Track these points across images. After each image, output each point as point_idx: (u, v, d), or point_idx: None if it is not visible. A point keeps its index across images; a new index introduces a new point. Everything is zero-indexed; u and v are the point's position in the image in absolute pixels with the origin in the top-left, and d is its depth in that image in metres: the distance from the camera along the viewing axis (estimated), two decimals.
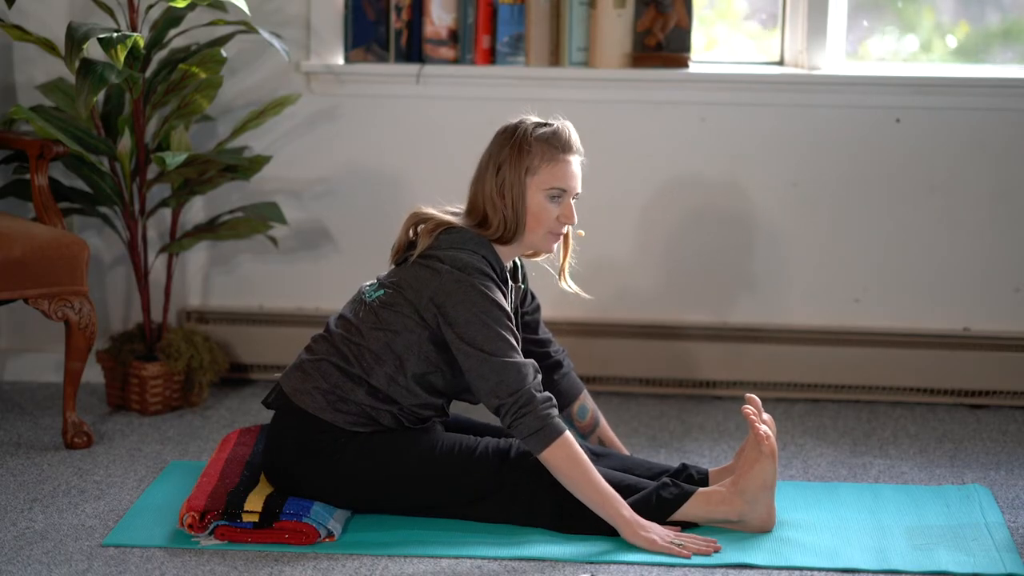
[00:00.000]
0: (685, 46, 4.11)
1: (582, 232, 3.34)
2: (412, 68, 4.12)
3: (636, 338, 4.17)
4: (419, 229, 3.22)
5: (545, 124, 3.21)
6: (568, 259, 3.35)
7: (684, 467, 3.32)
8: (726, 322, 4.19)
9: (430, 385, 3.19)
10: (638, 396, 4.20)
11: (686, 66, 4.11)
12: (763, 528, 3.19)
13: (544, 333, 3.48)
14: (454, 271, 3.12)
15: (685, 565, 3.04)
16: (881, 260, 4.15)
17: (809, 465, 3.67)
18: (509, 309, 3.15)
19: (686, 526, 3.18)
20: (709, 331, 4.17)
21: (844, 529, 3.23)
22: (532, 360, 3.15)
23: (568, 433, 3.09)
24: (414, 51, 4.17)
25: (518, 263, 3.37)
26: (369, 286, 3.28)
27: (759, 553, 3.10)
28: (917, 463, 3.69)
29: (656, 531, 3.10)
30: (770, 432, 3.18)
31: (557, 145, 3.19)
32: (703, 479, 3.29)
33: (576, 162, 3.22)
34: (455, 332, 3.11)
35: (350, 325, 3.22)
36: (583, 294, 3.39)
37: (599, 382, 4.19)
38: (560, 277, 3.36)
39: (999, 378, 4.11)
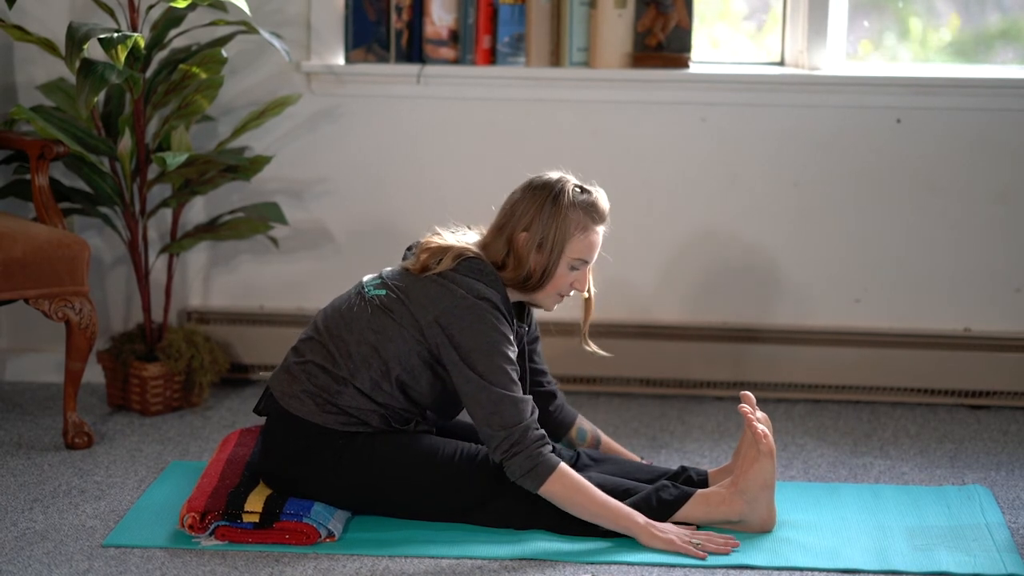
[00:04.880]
0: (686, 46, 4.11)
1: (586, 293, 3.32)
2: (413, 68, 4.12)
3: (637, 338, 4.17)
4: (443, 256, 3.20)
5: (584, 190, 3.20)
6: (589, 322, 3.35)
7: (683, 469, 3.32)
8: (726, 322, 4.19)
9: (408, 395, 3.19)
10: (638, 396, 4.20)
11: (687, 66, 4.11)
12: (764, 528, 3.19)
13: (541, 364, 3.48)
14: (468, 297, 3.11)
15: (686, 565, 3.04)
16: (881, 260, 4.15)
17: (810, 466, 3.67)
18: (515, 345, 3.15)
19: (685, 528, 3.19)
20: (709, 331, 4.17)
21: (845, 529, 3.23)
22: (530, 397, 3.14)
23: (562, 465, 3.09)
24: (415, 51, 4.17)
25: (526, 306, 3.36)
26: (371, 280, 3.27)
27: (759, 553, 3.10)
28: (918, 463, 3.69)
29: (672, 531, 3.11)
30: (767, 431, 3.18)
31: (593, 216, 3.19)
32: (703, 481, 3.29)
33: (602, 233, 3.23)
34: (459, 355, 3.10)
35: (340, 319, 3.21)
36: (603, 353, 3.41)
37: (600, 382, 4.19)
38: (583, 340, 3.37)
39: (999, 378, 4.11)
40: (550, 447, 3.11)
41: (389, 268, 3.29)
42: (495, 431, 3.08)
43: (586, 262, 3.21)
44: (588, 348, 3.39)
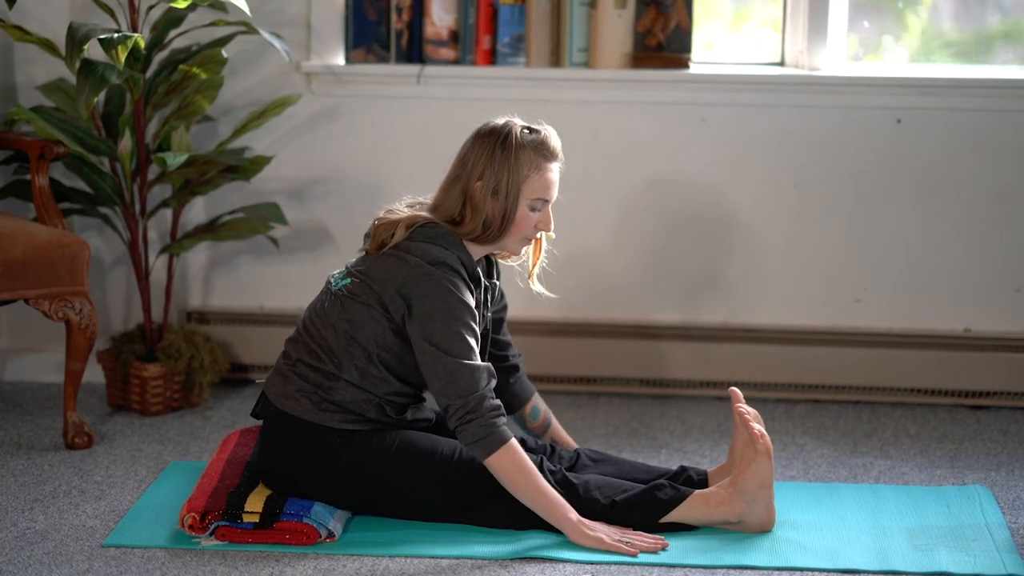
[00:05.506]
0: (686, 47, 4.11)
1: (552, 234, 3.33)
2: (413, 69, 4.12)
3: (637, 338, 4.17)
4: (395, 228, 3.21)
5: (532, 130, 3.20)
6: (539, 262, 3.35)
7: (683, 469, 3.32)
8: (726, 322, 4.19)
9: (396, 375, 3.19)
10: (638, 396, 4.20)
11: (686, 67, 4.11)
12: (763, 528, 3.19)
13: (505, 335, 3.48)
14: (424, 264, 3.12)
15: (686, 565, 3.04)
16: (881, 260, 4.15)
17: (809, 465, 3.67)
18: (475, 309, 3.15)
19: (684, 529, 3.18)
20: (709, 331, 4.17)
21: (845, 530, 3.23)
22: (488, 364, 3.14)
23: (513, 441, 3.09)
24: (415, 52, 4.17)
25: (493, 260, 3.36)
26: (337, 274, 3.28)
27: (759, 554, 3.10)
28: (918, 464, 3.69)
29: (603, 530, 3.11)
30: (763, 430, 3.18)
31: (545, 154, 3.19)
32: (703, 481, 3.29)
33: (557, 170, 3.22)
34: (417, 325, 3.11)
35: (317, 319, 3.22)
36: (548, 294, 3.39)
37: (600, 382, 4.19)
38: (529, 278, 3.36)
39: (999, 379, 4.11)
40: (504, 419, 3.11)
41: (353, 259, 3.30)
42: (452, 400, 3.08)
43: (546, 201, 3.20)
44: (534, 288, 3.37)
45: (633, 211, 4.17)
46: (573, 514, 3.11)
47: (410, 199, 3.29)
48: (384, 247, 3.20)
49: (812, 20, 4.12)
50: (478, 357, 3.12)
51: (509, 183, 3.16)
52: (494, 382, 3.13)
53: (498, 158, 3.16)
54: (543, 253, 3.35)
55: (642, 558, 3.06)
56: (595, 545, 3.08)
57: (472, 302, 3.14)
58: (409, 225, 3.18)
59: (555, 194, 3.22)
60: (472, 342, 3.11)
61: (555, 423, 3.57)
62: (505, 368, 3.47)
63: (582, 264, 4.17)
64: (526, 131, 3.18)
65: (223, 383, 4.24)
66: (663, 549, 3.09)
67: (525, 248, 3.29)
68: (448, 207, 3.20)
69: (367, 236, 3.29)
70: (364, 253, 3.25)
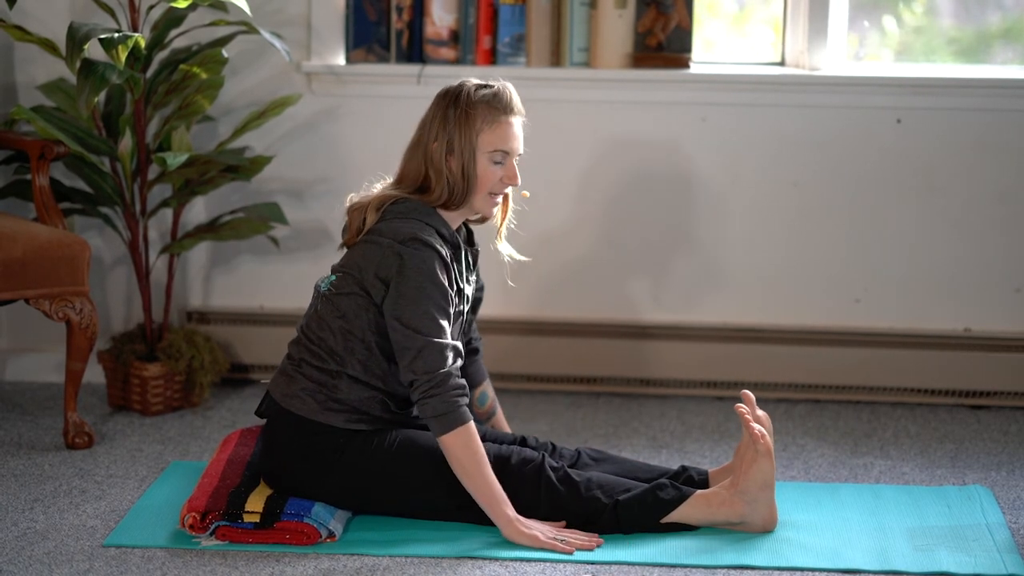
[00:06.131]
0: (686, 46, 4.11)
1: (527, 193, 3.32)
2: (413, 68, 4.12)
3: (637, 339, 4.17)
4: (366, 212, 3.22)
5: (486, 86, 3.20)
6: (506, 220, 3.34)
7: (684, 469, 3.32)
8: (726, 322, 4.19)
9: (394, 360, 3.19)
10: (638, 396, 4.20)
11: (687, 66, 4.11)
12: (765, 528, 3.19)
13: (473, 319, 3.47)
14: (394, 243, 3.12)
15: (686, 565, 3.04)
16: (881, 260, 4.15)
17: (810, 466, 3.67)
18: (447, 285, 3.14)
19: (685, 529, 3.18)
20: (709, 331, 4.17)
21: (845, 530, 3.23)
22: (457, 343, 3.14)
23: (471, 424, 3.10)
24: (415, 51, 4.17)
25: (471, 228, 3.36)
26: (325, 277, 3.28)
27: (759, 554, 3.10)
28: (918, 464, 3.69)
29: (538, 528, 3.11)
30: (765, 431, 3.18)
31: (498, 107, 3.18)
32: (703, 481, 3.29)
33: (518, 123, 3.22)
34: (389, 303, 3.12)
35: (313, 323, 3.23)
36: (517, 255, 3.38)
37: (600, 382, 4.19)
38: (497, 237, 3.35)
39: (1000, 378, 4.11)
40: (467, 400, 3.11)
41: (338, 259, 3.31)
42: (418, 376, 3.09)
43: (507, 153, 3.20)
44: (501, 249, 3.35)
45: (632, 210, 4.17)
46: (511, 510, 3.11)
47: (380, 183, 3.29)
48: (360, 233, 3.20)
49: (812, 20, 4.12)
50: (448, 335, 3.13)
51: (463, 138, 3.16)
52: (461, 361, 3.14)
53: (451, 116, 3.17)
54: (510, 212, 3.34)
55: (642, 556, 3.06)
56: (529, 543, 3.09)
57: (445, 279, 3.14)
58: (378, 206, 3.19)
59: (516, 147, 3.21)
60: (442, 321, 3.11)
61: (500, 413, 3.57)
62: (465, 351, 3.45)
63: (581, 264, 4.17)
64: (479, 87, 3.19)
65: (223, 383, 4.24)
66: (598, 547, 3.10)
67: (497, 207, 3.27)
68: (412, 174, 3.21)
69: (344, 230, 3.30)
70: (345, 246, 3.26)
